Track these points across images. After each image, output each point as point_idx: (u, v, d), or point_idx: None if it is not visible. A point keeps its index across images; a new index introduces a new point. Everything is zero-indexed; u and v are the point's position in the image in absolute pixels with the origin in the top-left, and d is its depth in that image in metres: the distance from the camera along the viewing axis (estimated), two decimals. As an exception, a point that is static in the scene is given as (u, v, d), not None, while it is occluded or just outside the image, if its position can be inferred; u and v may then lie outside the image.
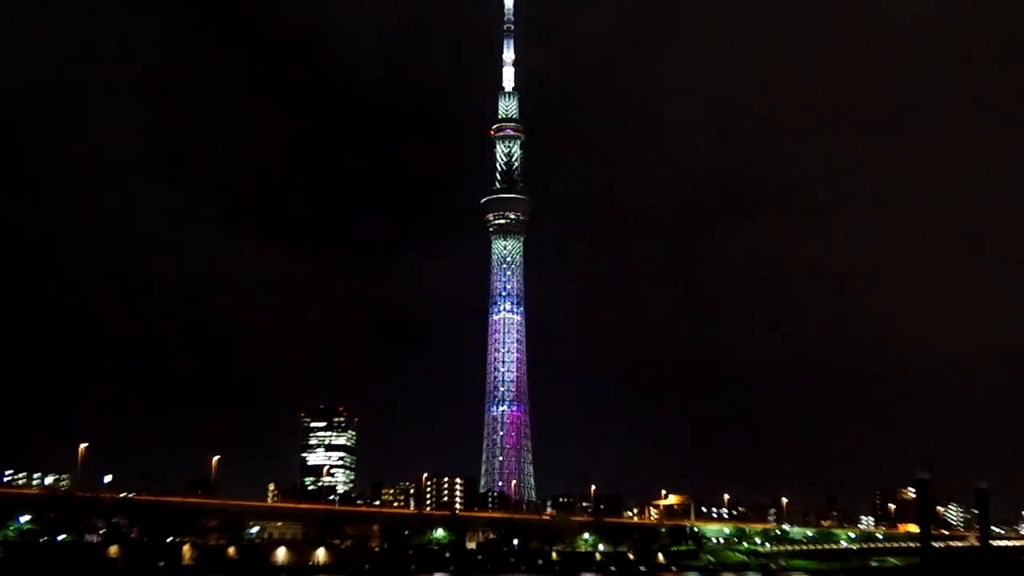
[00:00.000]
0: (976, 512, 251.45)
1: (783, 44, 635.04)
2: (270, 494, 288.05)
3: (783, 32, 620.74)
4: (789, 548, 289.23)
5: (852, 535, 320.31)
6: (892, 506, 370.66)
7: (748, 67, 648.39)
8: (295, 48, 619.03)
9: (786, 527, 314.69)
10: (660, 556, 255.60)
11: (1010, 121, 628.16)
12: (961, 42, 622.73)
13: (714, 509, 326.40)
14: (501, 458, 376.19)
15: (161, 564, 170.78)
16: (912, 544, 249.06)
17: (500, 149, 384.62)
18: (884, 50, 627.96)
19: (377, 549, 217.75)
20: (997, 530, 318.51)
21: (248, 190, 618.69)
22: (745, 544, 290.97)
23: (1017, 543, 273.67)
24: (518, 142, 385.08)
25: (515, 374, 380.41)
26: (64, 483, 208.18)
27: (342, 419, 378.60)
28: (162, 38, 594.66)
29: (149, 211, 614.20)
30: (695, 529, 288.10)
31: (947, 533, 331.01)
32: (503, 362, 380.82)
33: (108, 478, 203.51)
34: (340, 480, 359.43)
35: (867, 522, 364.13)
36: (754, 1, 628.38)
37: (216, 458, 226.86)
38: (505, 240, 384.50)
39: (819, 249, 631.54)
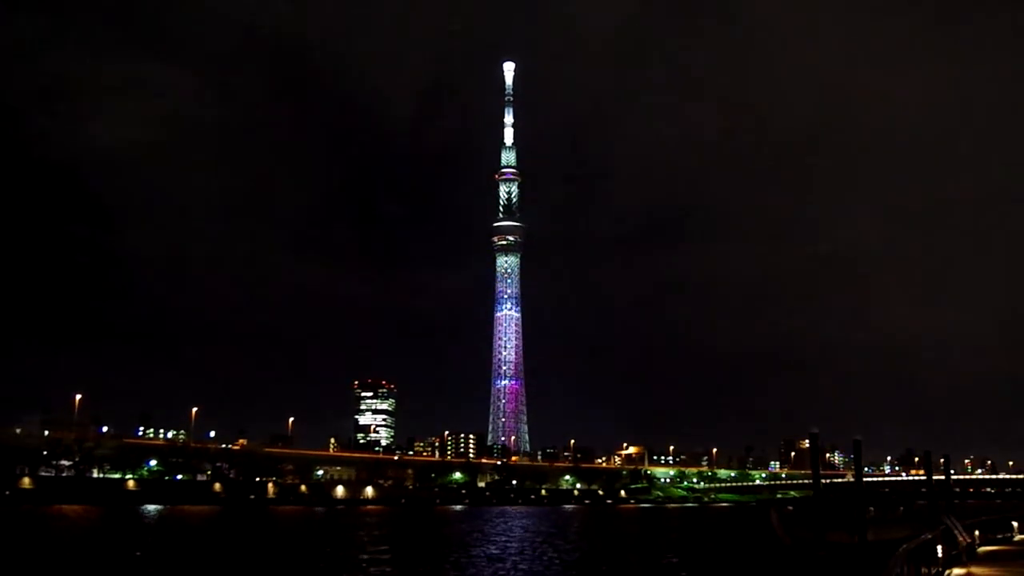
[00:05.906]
0: (852, 457, 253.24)
1: (718, 109, 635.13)
2: (331, 446, 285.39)
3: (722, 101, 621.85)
4: (717, 485, 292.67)
5: (764, 475, 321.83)
6: (793, 453, 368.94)
7: (686, 126, 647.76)
8: (345, 114, 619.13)
9: (715, 470, 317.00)
10: (622, 492, 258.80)
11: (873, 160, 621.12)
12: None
13: (662, 457, 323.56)
14: (503, 419, 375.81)
15: (252, 497, 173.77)
16: (807, 481, 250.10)
17: (502, 188, 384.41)
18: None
19: (411, 487, 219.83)
20: (868, 470, 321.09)
21: (308, 220, 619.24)
22: (685, 483, 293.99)
23: (880, 479, 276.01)
24: (516, 183, 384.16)
25: (514, 356, 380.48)
26: (181, 437, 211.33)
27: (384, 390, 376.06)
28: (245, 107, 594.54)
29: (237, 237, 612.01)
30: (648, 472, 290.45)
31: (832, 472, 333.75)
32: (504, 348, 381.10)
33: (212, 433, 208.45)
34: (383, 435, 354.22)
35: (775, 465, 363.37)
36: (690, 86, 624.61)
37: (291, 419, 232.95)
38: (506, 256, 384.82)
39: (732, 265, 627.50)
